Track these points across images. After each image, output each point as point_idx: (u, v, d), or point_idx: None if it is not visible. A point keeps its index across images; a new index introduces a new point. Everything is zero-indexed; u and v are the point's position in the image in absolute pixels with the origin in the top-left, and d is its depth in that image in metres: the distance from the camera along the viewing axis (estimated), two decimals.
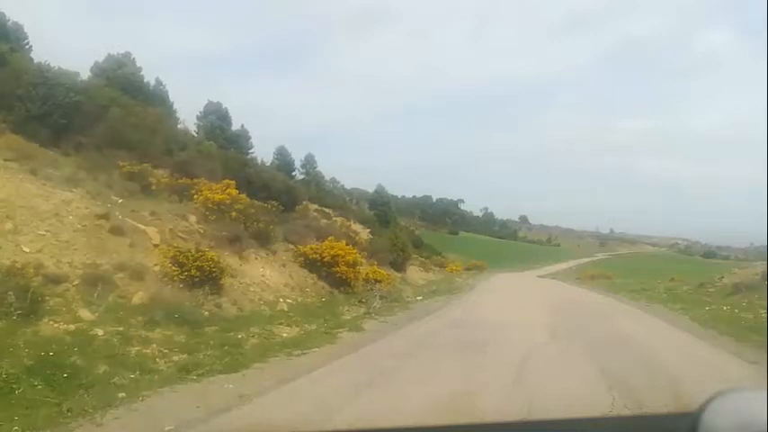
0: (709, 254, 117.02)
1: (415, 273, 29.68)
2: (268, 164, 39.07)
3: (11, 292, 6.96)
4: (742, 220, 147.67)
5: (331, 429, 5.09)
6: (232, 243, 13.48)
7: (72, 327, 7.27)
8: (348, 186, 74.75)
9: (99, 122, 17.11)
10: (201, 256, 10.72)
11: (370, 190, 64.69)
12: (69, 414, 5.03)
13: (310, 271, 15.51)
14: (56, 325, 7.21)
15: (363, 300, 14.67)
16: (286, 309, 12.05)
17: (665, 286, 23.25)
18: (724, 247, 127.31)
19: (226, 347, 8.06)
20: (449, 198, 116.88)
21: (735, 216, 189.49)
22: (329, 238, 17.42)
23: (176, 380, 6.45)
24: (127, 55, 30.28)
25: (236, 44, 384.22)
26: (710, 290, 18.35)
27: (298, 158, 49.69)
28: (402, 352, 8.69)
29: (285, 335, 9.74)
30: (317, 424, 5.13)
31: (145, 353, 7.22)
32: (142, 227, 11.45)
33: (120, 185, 14.07)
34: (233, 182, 16.84)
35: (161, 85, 32.92)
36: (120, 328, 7.67)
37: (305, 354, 8.38)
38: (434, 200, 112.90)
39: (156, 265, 10.39)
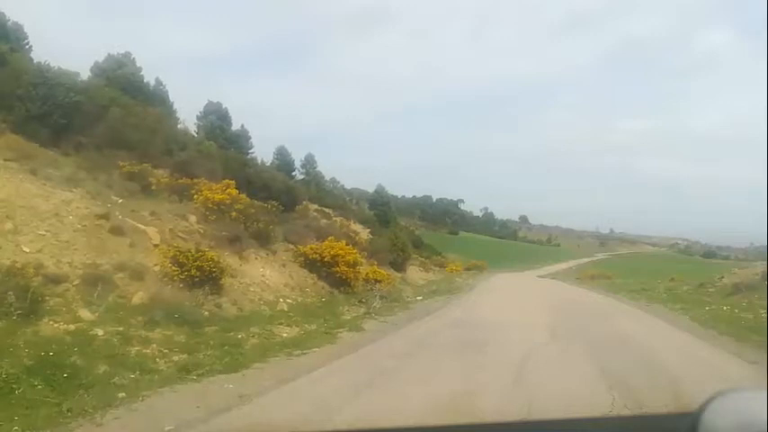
0: (709, 254, 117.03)
1: (414, 273, 29.67)
2: (268, 164, 39.13)
3: (11, 292, 6.97)
4: (742, 220, 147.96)
5: (331, 429, 5.09)
6: (232, 243, 13.48)
7: (72, 327, 7.27)
8: (348, 186, 74.93)
9: (99, 122, 17.12)
10: (201, 256, 10.72)
11: (370, 190, 64.84)
12: (69, 414, 5.03)
13: (310, 271, 15.52)
14: (56, 325, 7.21)
15: (363, 300, 14.67)
16: (286, 309, 12.05)
17: (664, 286, 23.25)
18: (724, 247, 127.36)
19: (226, 347, 8.07)
20: (449, 198, 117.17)
21: (735, 216, 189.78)
22: (329, 238, 17.43)
23: (176, 380, 6.45)
24: (127, 55, 30.32)
25: (236, 44, 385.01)
26: (710, 290, 18.35)
27: (298, 158, 49.81)
28: (402, 352, 8.69)
29: (285, 335, 9.74)
30: (316, 424, 5.13)
31: (145, 353, 7.22)
32: (142, 227, 11.45)
33: (120, 185, 14.08)
34: (233, 182, 16.85)
35: (161, 85, 32.98)
36: (120, 328, 7.67)
37: (305, 354, 8.38)
38: (434, 200, 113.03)
39: (156, 265, 10.39)
